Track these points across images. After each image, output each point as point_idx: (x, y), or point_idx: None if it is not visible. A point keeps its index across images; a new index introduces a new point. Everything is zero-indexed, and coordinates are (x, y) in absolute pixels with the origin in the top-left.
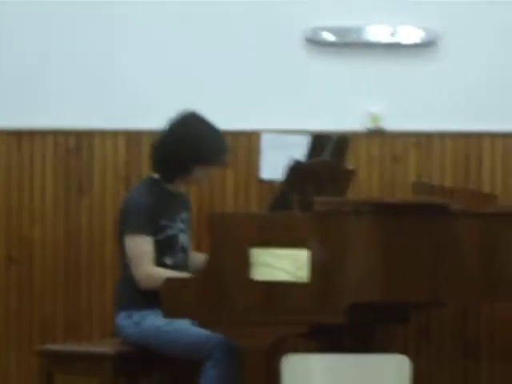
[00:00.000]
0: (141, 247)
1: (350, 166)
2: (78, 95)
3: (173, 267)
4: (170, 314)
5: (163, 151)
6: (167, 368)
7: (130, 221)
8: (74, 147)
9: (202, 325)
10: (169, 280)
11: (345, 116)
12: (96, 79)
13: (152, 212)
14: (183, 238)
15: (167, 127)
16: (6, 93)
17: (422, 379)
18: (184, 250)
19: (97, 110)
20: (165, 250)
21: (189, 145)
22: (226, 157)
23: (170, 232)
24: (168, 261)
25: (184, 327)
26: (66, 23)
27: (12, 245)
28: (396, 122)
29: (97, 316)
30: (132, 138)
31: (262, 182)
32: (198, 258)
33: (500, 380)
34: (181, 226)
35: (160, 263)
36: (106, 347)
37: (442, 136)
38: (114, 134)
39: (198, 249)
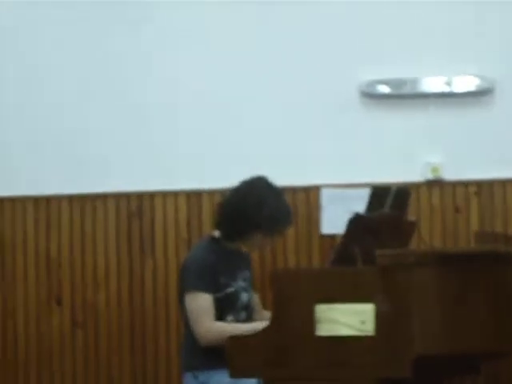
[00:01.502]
0: (201, 303)
1: (411, 217)
2: (138, 157)
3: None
4: (235, 373)
5: (227, 210)
6: None
7: (189, 278)
8: (136, 209)
9: (267, 383)
10: (233, 338)
11: (404, 167)
12: (155, 141)
13: (211, 269)
14: (244, 296)
15: (236, 187)
16: (68, 158)
17: None
18: (246, 308)
19: (157, 172)
20: (226, 307)
21: (250, 211)
22: (286, 227)
23: (230, 290)
24: (229, 318)
25: None
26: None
27: (77, 310)
28: (455, 171)
29: (163, 378)
30: (192, 198)
31: (323, 237)
32: (267, 316)
33: None
34: (242, 284)
35: (221, 321)
36: None
37: (503, 182)
38: (175, 195)
39: (264, 306)
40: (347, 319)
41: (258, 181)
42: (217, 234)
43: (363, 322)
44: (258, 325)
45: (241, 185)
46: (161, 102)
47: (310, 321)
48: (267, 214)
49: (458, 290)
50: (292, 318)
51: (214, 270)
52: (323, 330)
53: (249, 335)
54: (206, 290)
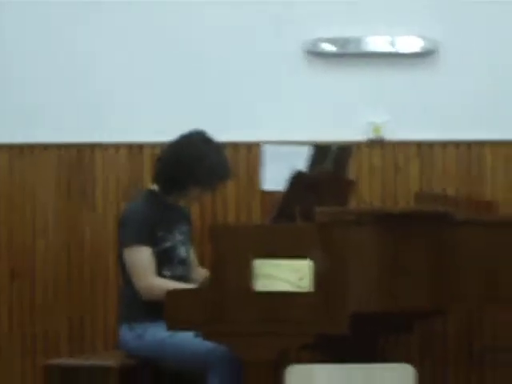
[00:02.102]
0: (140, 258)
1: (351, 176)
2: (79, 109)
3: (171, 279)
4: (172, 326)
5: (163, 166)
6: (170, 380)
7: (127, 232)
8: (76, 160)
9: (206, 337)
10: (171, 292)
11: (346, 126)
12: (98, 93)
13: (149, 223)
14: (182, 251)
15: (173, 142)
16: (8, 108)
17: None
18: (183, 263)
19: (98, 124)
20: (163, 261)
21: (186, 165)
22: (223, 182)
23: (168, 244)
24: (166, 272)
25: (187, 340)
26: (67, 33)
27: (15, 259)
28: (397, 131)
29: (100, 329)
30: (134, 150)
31: (263, 193)
32: (202, 273)
33: None
34: (179, 238)
35: (158, 275)
36: (110, 360)
37: (444, 144)
38: (116, 147)
39: (201, 262)
40: (285, 275)
41: (196, 135)
42: (155, 187)
43: (301, 279)
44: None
45: (179, 139)
46: (108, 53)
47: (248, 276)
48: (205, 169)
49: (394, 249)
50: (230, 272)
51: (152, 223)
52: (261, 285)
53: (188, 289)
54: (145, 243)
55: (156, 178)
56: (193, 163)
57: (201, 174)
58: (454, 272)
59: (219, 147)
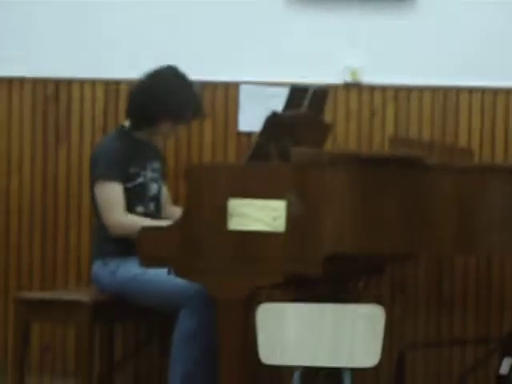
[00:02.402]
0: (111, 194)
1: (327, 119)
2: (58, 43)
3: (143, 216)
4: (145, 263)
5: (134, 100)
6: (142, 316)
7: (98, 168)
8: (53, 95)
9: (178, 274)
10: (145, 229)
11: (323, 69)
12: (76, 28)
13: (120, 159)
14: (154, 187)
15: (143, 77)
16: None
17: (396, 329)
18: (155, 199)
19: (76, 59)
20: (135, 198)
21: (157, 98)
22: (193, 116)
23: (140, 180)
24: (139, 209)
25: (160, 277)
26: None
27: None
28: (374, 75)
29: (73, 264)
30: (110, 87)
31: (239, 133)
32: (176, 211)
33: (473, 332)
34: (152, 174)
35: (130, 211)
36: (83, 295)
37: (421, 90)
38: (93, 83)
39: (176, 201)
40: (260, 215)
41: (166, 69)
42: (127, 123)
43: (275, 219)
44: (166, 222)
45: (149, 73)
46: None
47: (223, 215)
48: (176, 101)
49: (368, 193)
50: (205, 211)
51: (123, 159)
52: (235, 223)
53: (161, 226)
54: (116, 179)
55: (128, 113)
56: (163, 96)
57: (171, 107)
58: (426, 216)
59: (191, 82)
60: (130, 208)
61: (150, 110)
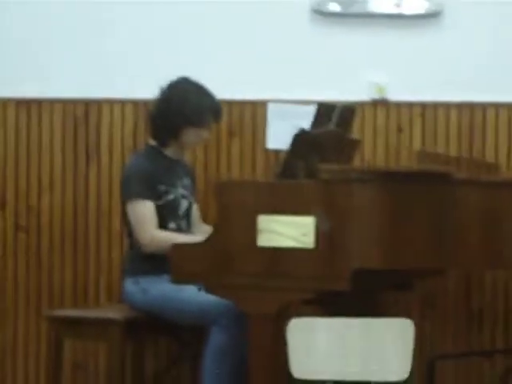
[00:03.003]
0: (142, 212)
1: (355, 135)
2: (86, 64)
3: (176, 232)
4: (177, 279)
5: (154, 116)
6: (174, 334)
7: (129, 187)
8: (83, 116)
9: (209, 290)
10: (177, 245)
11: (350, 86)
12: (106, 49)
13: (150, 177)
14: (185, 204)
15: (159, 92)
16: (16, 62)
17: (426, 344)
18: (186, 216)
19: (104, 80)
20: (167, 214)
21: (174, 107)
22: (213, 117)
23: (171, 197)
24: (171, 225)
25: (191, 293)
26: None
27: (20, 213)
28: (401, 92)
29: (104, 282)
30: (139, 107)
31: (267, 151)
32: (205, 229)
33: (502, 346)
34: (182, 191)
35: (163, 228)
36: (114, 313)
37: (447, 106)
38: (122, 104)
39: (205, 218)
40: (288, 231)
41: (178, 80)
42: (152, 142)
43: (304, 235)
44: (201, 237)
45: (163, 88)
46: (110, 14)
47: (253, 231)
48: (192, 106)
49: (396, 208)
50: (235, 227)
51: (153, 177)
52: (264, 240)
53: (192, 243)
54: (147, 197)
55: (152, 132)
56: (179, 103)
57: (188, 112)
58: (454, 232)
59: (204, 86)
60: (163, 225)
61: (170, 121)
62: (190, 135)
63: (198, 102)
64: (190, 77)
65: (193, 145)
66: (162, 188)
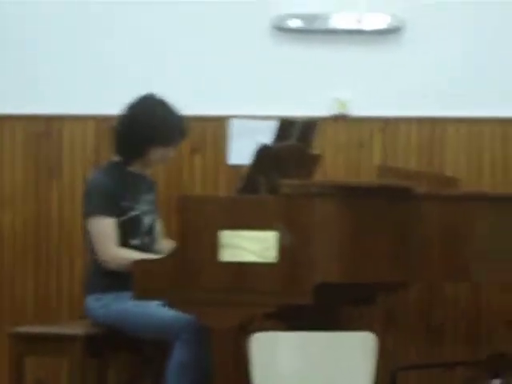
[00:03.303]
0: (103, 228)
1: (316, 150)
2: (50, 80)
3: (138, 248)
4: (139, 295)
5: (119, 134)
6: (136, 349)
7: (90, 203)
8: (44, 132)
9: (171, 305)
10: (138, 262)
11: (311, 102)
12: (66, 65)
13: (112, 194)
14: (148, 220)
15: (123, 111)
16: None
17: (388, 357)
18: (149, 232)
19: (66, 96)
20: (129, 231)
21: (141, 125)
22: (181, 136)
23: (133, 213)
24: (134, 242)
25: (152, 309)
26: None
27: None
28: (362, 107)
29: (66, 298)
30: (101, 123)
31: (230, 167)
32: (167, 245)
33: (463, 357)
34: (145, 207)
35: (125, 245)
36: (76, 329)
37: (408, 121)
38: (84, 120)
39: (168, 234)
40: (251, 246)
41: (145, 97)
42: (116, 158)
43: (266, 249)
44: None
45: (129, 105)
46: (76, 25)
47: (215, 246)
48: (158, 124)
49: (358, 222)
50: (197, 242)
51: (114, 194)
52: (227, 255)
53: (155, 258)
54: (108, 213)
55: (116, 149)
56: (146, 121)
57: (159, 131)
58: (415, 245)
59: (169, 104)
60: (125, 241)
61: (136, 140)
62: (157, 154)
63: (166, 121)
64: (155, 94)
65: (158, 163)
66: (125, 204)
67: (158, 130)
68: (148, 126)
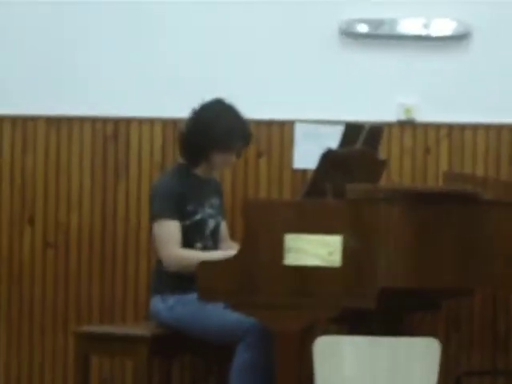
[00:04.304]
0: (167, 230)
1: (382, 156)
2: (117, 82)
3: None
4: (204, 297)
5: (185, 137)
6: (200, 351)
7: (156, 206)
8: (112, 134)
9: (235, 308)
10: (203, 263)
11: (378, 107)
12: (134, 67)
13: (178, 197)
14: (212, 224)
15: (191, 113)
16: (45, 80)
17: (451, 364)
18: (213, 236)
19: (134, 98)
20: (193, 234)
21: (203, 130)
22: (243, 143)
23: (198, 217)
24: (198, 245)
25: (217, 312)
26: (100, 8)
27: (49, 230)
28: (428, 113)
29: (131, 300)
30: (167, 125)
31: (295, 171)
32: (233, 246)
33: None
34: (209, 211)
35: (191, 248)
36: (142, 329)
37: (474, 127)
38: (151, 122)
39: (232, 236)
40: (315, 250)
41: (211, 102)
42: (182, 161)
43: (331, 254)
44: (225, 253)
45: (196, 109)
46: (141, 27)
47: (279, 250)
48: (222, 130)
49: (423, 227)
50: (262, 246)
51: (181, 197)
52: (291, 259)
53: (220, 261)
54: (173, 216)
55: (181, 152)
56: (208, 126)
57: (217, 136)
58: (480, 252)
59: (236, 110)
60: (190, 245)
61: (199, 144)
62: (218, 158)
63: (227, 127)
64: (224, 98)
65: (221, 167)
66: (190, 208)
67: (219, 136)
68: (210, 131)
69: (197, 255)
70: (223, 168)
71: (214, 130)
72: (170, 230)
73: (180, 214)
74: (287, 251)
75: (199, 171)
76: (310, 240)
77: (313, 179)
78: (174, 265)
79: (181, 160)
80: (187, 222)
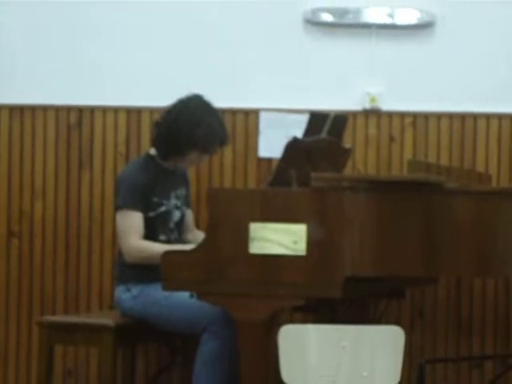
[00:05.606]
0: (129, 221)
1: (347, 144)
2: (80, 72)
3: (166, 244)
4: (169, 286)
5: (161, 130)
6: (165, 340)
7: (120, 196)
8: (76, 123)
9: (201, 298)
10: (168, 252)
11: (342, 96)
12: (99, 57)
13: (143, 188)
14: (176, 215)
15: (171, 107)
16: (8, 69)
17: (416, 351)
18: (177, 227)
19: (98, 87)
20: (158, 226)
21: (185, 130)
22: (220, 146)
23: (163, 209)
24: (162, 237)
25: (182, 301)
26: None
27: (13, 219)
28: (393, 102)
29: (95, 289)
30: (132, 114)
31: (260, 160)
32: (199, 235)
33: (491, 352)
34: (175, 202)
35: (154, 240)
36: (106, 319)
37: (439, 116)
38: (115, 111)
39: (197, 226)
40: (280, 238)
41: (193, 99)
42: (153, 151)
43: (295, 242)
44: (184, 246)
45: (176, 103)
46: (103, 21)
47: (244, 239)
48: (203, 132)
49: (387, 216)
50: (226, 235)
51: (146, 188)
52: (256, 247)
53: (185, 250)
54: (136, 208)
55: (154, 143)
56: (191, 127)
57: (199, 138)
58: (445, 240)
59: (216, 111)
60: (154, 237)
61: (178, 142)
62: (194, 157)
63: (209, 131)
64: (202, 95)
65: (194, 165)
66: (155, 200)
67: (200, 138)
68: (193, 133)
69: (157, 247)
70: (194, 166)
71: (196, 132)
72: (132, 221)
73: (144, 205)
74: (252, 240)
75: (168, 164)
76: (274, 229)
77: (278, 168)
78: (134, 256)
79: (151, 151)
80: (152, 214)
